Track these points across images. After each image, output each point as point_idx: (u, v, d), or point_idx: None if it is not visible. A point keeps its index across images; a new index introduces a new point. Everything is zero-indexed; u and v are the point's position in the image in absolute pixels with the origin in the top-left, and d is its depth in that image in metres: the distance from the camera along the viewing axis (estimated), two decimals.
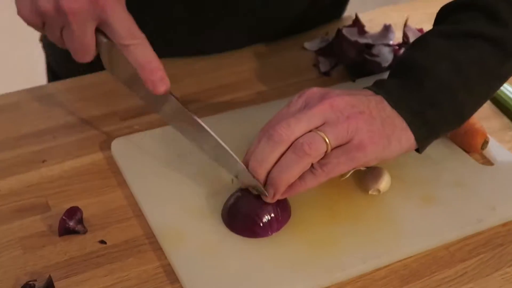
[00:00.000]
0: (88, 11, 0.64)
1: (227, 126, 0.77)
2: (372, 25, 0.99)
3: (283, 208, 0.65)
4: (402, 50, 0.92)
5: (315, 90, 0.66)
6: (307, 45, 0.97)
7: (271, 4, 0.90)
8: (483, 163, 0.75)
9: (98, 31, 0.67)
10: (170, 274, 0.62)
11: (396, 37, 0.95)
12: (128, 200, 0.70)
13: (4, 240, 0.65)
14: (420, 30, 0.95)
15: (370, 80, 0.71)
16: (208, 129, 0.66)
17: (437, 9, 0.74)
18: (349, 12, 1.04)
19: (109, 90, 0.85)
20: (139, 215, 0.68)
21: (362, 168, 0.66)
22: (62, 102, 0.84)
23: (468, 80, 0.67)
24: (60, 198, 0.70)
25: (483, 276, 0.63)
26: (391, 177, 0.70)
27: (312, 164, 0.62)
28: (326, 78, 0.90)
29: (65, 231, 0.65)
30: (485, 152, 0.76)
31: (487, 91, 0.70)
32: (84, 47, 0.67)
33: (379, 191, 0.69)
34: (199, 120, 0.67)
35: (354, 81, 0.87)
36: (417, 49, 0.70)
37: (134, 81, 0.68)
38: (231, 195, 0.66)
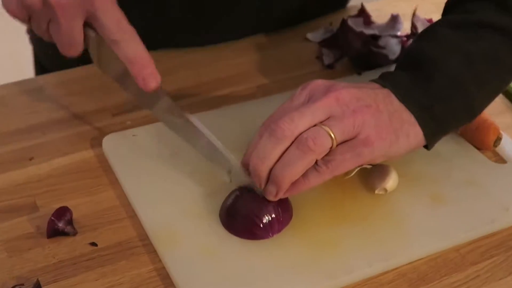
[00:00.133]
0: (77, 5, 0.64)
1: (226, 122, 0.77)
2: (379, 15, 0.99)
3: (284, 208, 0.65)
4: (410, 42, 0.92)
5: (320, 83, 0.66)
6: (310, 36, 0.96)
7: None
8: (495, 161, 0.75)
9: (86, 24, 0.67)
10: (165, 278, 0.62)
11: (404, 28, 0.95)
12: (121, 200, 0.70)
13: None
14: (429, 20, 0.95)
15: (376, 73, 0.71)
16: (199, 127, 0.67)
17: None
18: (355, 2, 1.03)
19: (100, 84, 0.85)
20: (132, 215, 0.68)
21: (368, 166, 0.66)
22: (51, 96, 0.84)
23: (479, 73, 0.67)
24: (49, 197, 0.70)
25: (496, 279, 0.63)
26: (398, 175, 0.70)
27: (316, 161, 0.62)
28: (330, 71, 0.90)
29: (53, 232, 0.65)
30: (497, 149, 0.76)
31: (499, 84, 0.70)
32: (71, 42, 0.67)
33: (385, 190, 0.69)
34: (191, 118, 0.67)
35: (359, 74, 0.87)
36: (425, 40, 0.70)
37: (124, 76, 0.69)
38: (230, 194, 0.66)
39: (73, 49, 0.68)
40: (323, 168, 0.62)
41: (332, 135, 0.62)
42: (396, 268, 0.64)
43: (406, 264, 0.64)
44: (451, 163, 0.73)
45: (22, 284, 0.60)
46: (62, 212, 0.66)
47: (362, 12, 0.98)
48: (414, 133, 0.65)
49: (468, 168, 0.73)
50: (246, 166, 0.64)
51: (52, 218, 0.65)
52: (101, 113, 0.81)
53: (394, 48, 0.91)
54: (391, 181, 0.69)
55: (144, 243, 0.65)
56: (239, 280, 0.61)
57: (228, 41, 0.94)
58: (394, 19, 0.97)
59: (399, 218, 0.67)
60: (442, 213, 0.68)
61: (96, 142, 0.76)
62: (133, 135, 0.76)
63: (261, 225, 0.64)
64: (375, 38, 0.92)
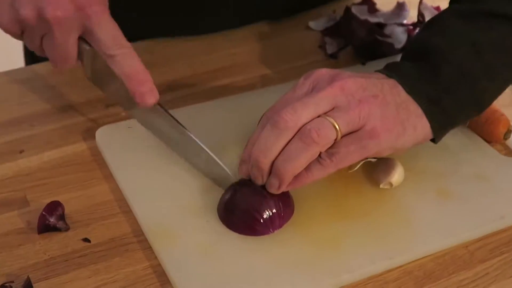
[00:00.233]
0: (73, 20, 0.66)
1: (224, 114, 0.77)
2: (384, 2, 0.98)
3: (285, 203, 0.65)
4: (416, 31, 0.92)
5: (324, 72, 0.66)
6: (312, 24, 0.96)
7: None
8: (505, 154, 0.75)
9: (80, 37, 0.68)
10: (161, 275, 0.62)
11: (411, 16, 0.95)
12: (115, 195, 0.70)
13: None
14: (437, 8, 0.95)
15: (381, 63, 0.71)
16: (199, 142, 0.68)
17: None
18: None
19: None
20: (127, 211, 0.68)
21: (373, 159, 0.66)
22: (42, 87, 0.84)
23: (489, 65, 0.67)
24: (40, 192, 0.70)
25: (506, 277, 0.63)
26: (404, 169, 0.70)
27: (319, 154, 0.62)
28: (333, 61, 0.90)
29: (45, 228, 0.65)
30: (508, 142, 0.76)
31: (509, 76, 0.70)
32: (65, 56, 0.69)
33: (391, 184, 0.69)
34: (191, 134, 0.68)
35: (363, 64, 0.87)
36: (433, 30, 0.70)
37: (119, 92, 0.70)
38: (228, 189, 0.66)
39: (66, 64, 0.70)
40: (327, 161, 0.62)
41: (337, 127, 0.61)
42: (402, 266, 0.63)
43: (412, 262, 0.64)
44: (459, 157, 0.73)
45: (12, 282, 0.60)
46: (54, 207, 0.66)
47: None
48: (422, 125, 0.65)
49: (476, 162, 0.73)
50: (247, 159, 0.64)
51: (43, 213, 0.65)
52: (94, 104, 0.81)
53: (400, 37, 0.91)
54: (397, 175, 0.69)
55: (139, 239, 0.65)
56: (238, 277, 0.60)
57: (227, 30, 0.94)
58: (400, 7, 0.96)
59: (404, 213, 0.67)
60: (450, 208, 0.68)
61: (89, 134, 0.76)
62: (128, 127, 0.76)
63: (262, 221, 0.64)
64: (380, 26, 0.92)
